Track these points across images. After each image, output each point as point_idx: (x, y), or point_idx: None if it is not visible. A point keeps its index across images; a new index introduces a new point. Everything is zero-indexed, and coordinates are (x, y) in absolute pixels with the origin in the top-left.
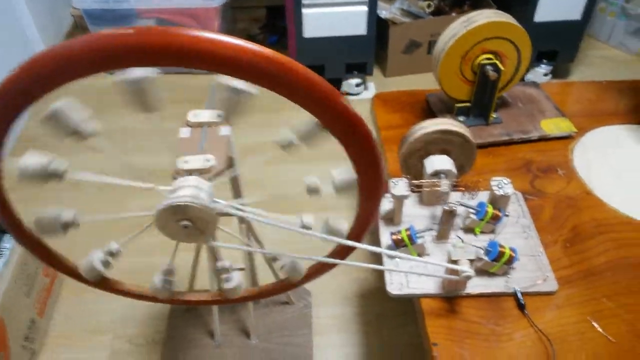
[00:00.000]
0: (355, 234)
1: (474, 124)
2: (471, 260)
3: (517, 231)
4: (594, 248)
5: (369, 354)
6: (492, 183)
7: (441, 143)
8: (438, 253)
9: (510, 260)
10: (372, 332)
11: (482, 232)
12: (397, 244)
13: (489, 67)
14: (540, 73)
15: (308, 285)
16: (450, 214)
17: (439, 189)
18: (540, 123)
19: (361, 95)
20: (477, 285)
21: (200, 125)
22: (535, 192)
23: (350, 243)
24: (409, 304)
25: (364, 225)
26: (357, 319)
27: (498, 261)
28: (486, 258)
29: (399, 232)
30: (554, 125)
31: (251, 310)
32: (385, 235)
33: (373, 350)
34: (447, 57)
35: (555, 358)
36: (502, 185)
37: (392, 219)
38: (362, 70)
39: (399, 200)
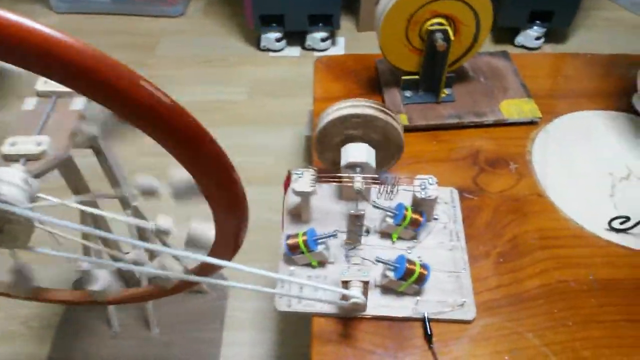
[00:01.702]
0: (221, 253)
1: (422, 101)
2: (365, 283)
3: (442, 240)
4: (530, 266)
5: (284, 355)
6: (415, 182)
7: (362, 128)
8: (344, 262)
9: (421, 280)
10: (291, 331)
11: (400, 238)
12: (293, 250)
13: (437, 35)
14: (532, 36)
15: (226, 272)
16: (356, 219)
17: (351, 185)
18: (500, 104)
19: (329, 51)
20: (381, 306)
21: (50, 95)
22: (477, 190)
23: (215, 261)
24: None
25: (230, 246)
26: (277, 315)
27: (405, 280)
28: (391, 275)
29: (296, 235)
30: (515, 108)
31: None
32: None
33: (289, 351)
34: (389, 19)
35: None
36: (427, 185)
37: (300, 214)
38: (328, 22)
39: (304, 197)
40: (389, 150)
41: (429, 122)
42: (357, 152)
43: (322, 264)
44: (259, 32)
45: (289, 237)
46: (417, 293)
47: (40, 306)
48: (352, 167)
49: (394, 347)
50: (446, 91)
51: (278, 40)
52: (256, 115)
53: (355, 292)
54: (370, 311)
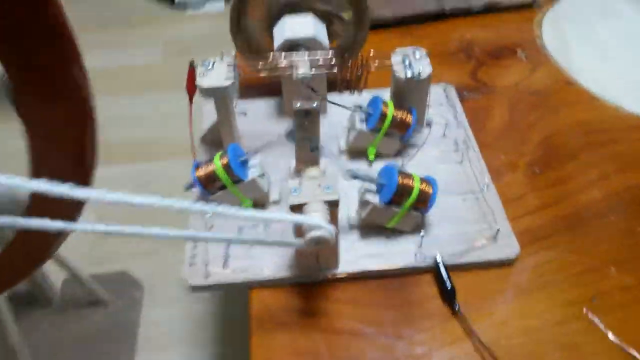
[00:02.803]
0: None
1: None
2: (332, 204)
3: (445, 150)
4: (580, 174)
5: None
6: (395, 58)
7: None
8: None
9: (425, 202)
10: (236, 341)
11: (381, 156)
12: (208, 184)
13: None
14: None
15: (140, 273)
16: (305, 118)
17: (290, 70)
18: None
19: None
20: (363, 258)
21: None
22: (479, 87)
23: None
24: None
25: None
26: (214, 321)
27: (399, 204)
28: (374, 200)
29: (210, 160)
30: None
31: (8, 318)
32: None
33: None
34: None
35: None
36: (412, 59)
37: (219, 140)
38: None
39: (221, 98)
40: (346, 33)
41: (399, 13)
42: (299, 25)
43: (259, 205)
44: None
45: (199, 165)
46: (419, 227)
47: None
48: (292, 48)
49: (395, 319)
50: None
51: None
52: (173, 80)
53: (317, 220)
54: (347, 267)
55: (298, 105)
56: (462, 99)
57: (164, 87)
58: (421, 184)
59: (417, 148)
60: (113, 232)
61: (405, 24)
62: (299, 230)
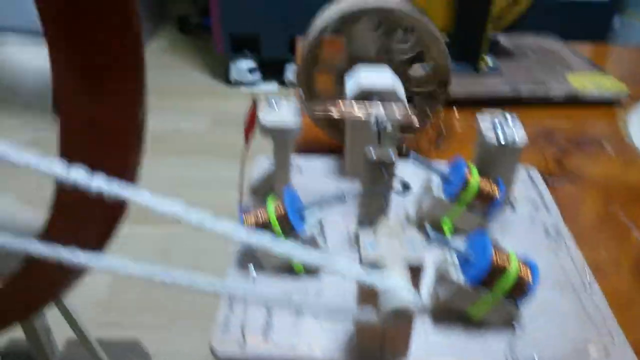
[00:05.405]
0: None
1: (456, 70)
2: (415, 271)
3: (534, 237)
4: None
5: None
6: (482, 122)
7: (383, 47)
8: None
9: (522, 290)
10: None
11: (459, 232)
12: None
13: None
14: None
15: (151, 347)
16: (379, 170)
17: (362, 114)
18: (567, 77)
19: None
20: (436, 352)
21: None
22: (567, 175)
23: None
24: None
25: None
26: None
27: (490, 286)
28: (459, 278)
29: (262, 207)
30: (590, 82)
31: None
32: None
33: None
34: None
35: None
36: (502, 123)
37: (270, 189)
38: None
39: (283, 140)
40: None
41: (473, 93)
42: (376, 76)
43: (310, 271)
44: (228, 58)
45: (247, 210)
46: (510, 319)
47: None
48: (365, 98)
49: None
50: (488, 60)
51: (251, 70)
52: (216, 147)
53: (398, 281)
54: (419, 356)
55: (372, 151)
56: (548, 186)
57: (206, 154)
58: (520, 265)
59: (498, 228)
60: (143, 276)
61: (477, 105)
62: (366, 296)
